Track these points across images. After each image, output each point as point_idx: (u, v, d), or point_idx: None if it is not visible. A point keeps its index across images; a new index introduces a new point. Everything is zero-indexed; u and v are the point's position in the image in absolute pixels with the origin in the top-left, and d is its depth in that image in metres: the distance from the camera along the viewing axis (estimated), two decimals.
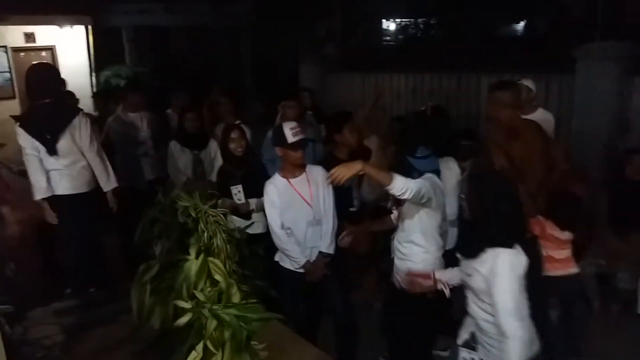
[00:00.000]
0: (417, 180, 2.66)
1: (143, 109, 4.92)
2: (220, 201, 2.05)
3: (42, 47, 10.49)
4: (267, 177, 3.24)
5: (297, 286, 3.13)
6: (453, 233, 3.37)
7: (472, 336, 2.37)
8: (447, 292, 2.55)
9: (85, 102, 5.96)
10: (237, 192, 3.49)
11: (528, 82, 4.17)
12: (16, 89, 10.24)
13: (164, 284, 1.86)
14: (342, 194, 3.24)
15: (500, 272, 2.11)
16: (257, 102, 10.01)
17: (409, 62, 9.19)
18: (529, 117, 3.78)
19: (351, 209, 3.60)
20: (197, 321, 1.73)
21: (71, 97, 5.27)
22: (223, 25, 11.76)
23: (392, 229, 3.04)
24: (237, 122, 4.31)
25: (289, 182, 3.07)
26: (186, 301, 1.76)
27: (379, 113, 6.37)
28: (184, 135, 4.43)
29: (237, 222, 2.65)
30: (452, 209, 3.30)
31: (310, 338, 2.86)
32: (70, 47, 10.50)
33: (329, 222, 3.11)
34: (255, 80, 12.19)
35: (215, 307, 1.74)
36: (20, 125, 3.60)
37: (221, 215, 1.91)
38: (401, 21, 15.26)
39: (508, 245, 2.15)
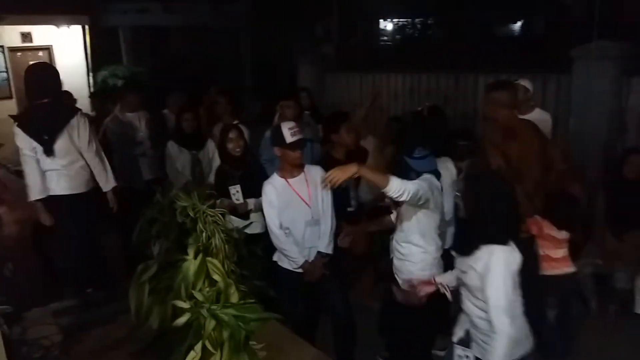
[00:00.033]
0: (415, 181, 2.66)
1: (141, 108, 4.92)
2: (218, 201, 2.05)
3: (39, 47, 10.47)
4: (266, 177, 3.24)
5: (296, 286, 3.13)
6: (450, 232, 3.37)
7: (467, 333, 2.39)
8: (448, 295, 2.56)
9: (82, 102, 5.95)
10: (236, 192, 3.49)
11: (525, 82, 4.18)
12: (13, 89, 10.22)
13: (162, 284, 1.86)
14: (339, 194, 3.25)
15: (494, 269, 2.14)
16: (255, 102, 10.01)
17: (406, 62, 9.21)
18: (526, 117, 3.80)
19: (349, 209, 3.61)
20: (195, 321, 1.73)
21: (69, 97, 5.27)
22: (221, 25, 11.75)
23: (391, 229, 3.04)
24: (235, 122, 4.31)
25: (287, 182, 3.07)
26: (184, 301, 1.76)
27: (376, 113, 6.39)
28: (182, 135, 4.43)
29: (236, 222, 2.66)
30: (449, 209, 3.31)
31: (309, 338, 2.87)
32: (67, 47, 10.48)
33: (327, 222, 3.11)
34: (253, 80, 12.20)
35: (213, 307, 1.74)
36: (18, 125, 3.59)
37: (219, 215, 1.91)
38: (399, 21, 15.28)
39: (503, 242, 2.19)
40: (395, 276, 2.99)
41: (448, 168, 3.30)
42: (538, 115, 4.13)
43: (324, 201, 3.10)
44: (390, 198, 2.68)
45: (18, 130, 3.59)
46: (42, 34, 10.33)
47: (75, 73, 9.89)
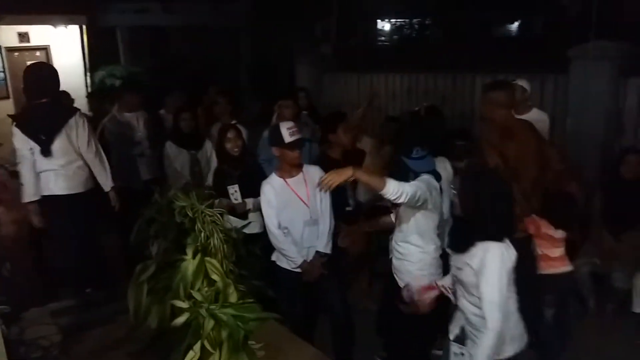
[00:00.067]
0: (412, 183, 2.66)
1: (139, 108, 4.91)
2: (217, 201, 2.06)
3: (36, 47, 10.43)
4: (264, 177, 3.24)
5: (294, 286, 3.13)
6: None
7: (462, 331, 2.41)
8: (452, 297, 2.57)
9: (80, 103, 5.94)
10: (234, 192, 3.49)
11: (523, 82, 4.19)
12: (10, 89, 10.18)
13: (160, 284, 1.86)
14: (337, 193, 3.24)
15: (489, 265, 2.17)
16: (254, 102, 10.00)
17: (404, 62, 9.22)
18: (523, 117, 3.81)
19: (347, 208, 3.62)
20: (194, 321, 1.74)
21: (66, 97, 5.26)
22: (219, 25, 11.73)
23: (390, 229, 3.05)
24: (234, 122, 4.31)
25: (285, 182, 3.07)
26: (183, 301, 1.77)
27: (374, 113, 6.40)
28: (180, 135, 4.43)
29: (234, 222, 2.66)
30: (447, 209, 3.32)
31: (307, 338, 2.87)
32: (64, 47, 10.44)
33: (325, 222, 3.11)
34: (251, 80, 12.18)
35: (212, 306, 1.74)
36: (16, 125, 3.59)
37: (218, 215, 1.91)
38: (397, 21, 15.29)
39: (498, 239, 2.22)
40: (395, 276, 3.00)
41: (445, 168, 3.31)
42: (535, 115, 4.15)
43: (323, 201, 3.10)
44: (388, 200, 2.69)
45: (16, 130, 3.58)
46: (40, 33, 10.29)
47: (72, 73, 9.86)
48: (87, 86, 10.20)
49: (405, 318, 2.95)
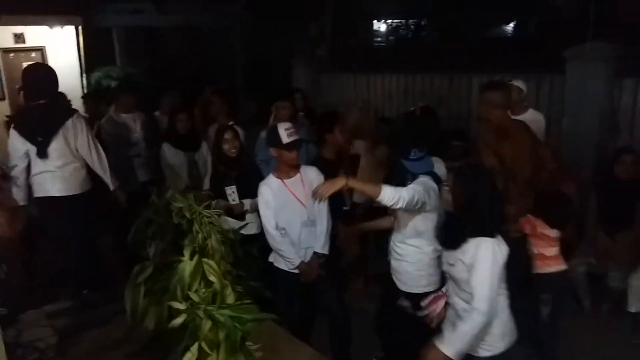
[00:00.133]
0: (409, 187, 2.66)
1: (136, 109, 4.91)
2: (214, 202, 2.06)
3: (31, 47, 10.39)
4: (261, 177, 3.24)
5: (292, 287, 3.13)
6: None
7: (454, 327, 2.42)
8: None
9: (76, 104, 5.92)
10: (232, 193, 3.49)
11: (519, 83, 4.21)
12: (5, 90, 10.14)
13: (158, 285, 1.86)
14: (334, 194, 3.25)
15: (481, 260, 2.21)
16: (250, 102, 10.00)
17: (400, 62, 9.23)
18: (520, 117, 3.83)
19: (344, 208, 3.62)
20: (191, 322, 1.73)
21: (63, 99, 5.25)
22: (215, 25, 11.73)
23: (389, 230, 3.05)
24: (231, 123, 4.31)
25: (283, 182, 3.07)
26: (180, 302, 1.76)
27: (370, 114, 6.42)
28: (176, 136, 4.41)
29: (231, 223, 2.66)
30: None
31: (305, 338, 2.87)
32: (60, 47, 10.41)
33: (323, 223, 3.12)
34: (247, 81, 12.18)
35: (209, 308, 1.74)
36: (13, 127, 3.58)
37: (215, 216, 1.91)
38: (393, 22, 15.31)
39: (490, 234, 2.25)
40: (393, 277, 3.00)
41: (439, 169, 3.32)
42: (531, 116, 4.16)
43: (320, 202, 3.10)
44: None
45: (13, 132, 3.58)
46: (35, 34, 10.26)
47: (68, 74, 9.82)
48: (83, 87, 10.17)
49: (403, 319, 2.96)
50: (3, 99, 10.13)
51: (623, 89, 5.11)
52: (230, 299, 1.80)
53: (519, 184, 3.16)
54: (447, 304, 2.53)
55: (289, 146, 2.98)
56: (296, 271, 3.09)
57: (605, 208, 3.98)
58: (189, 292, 1.77)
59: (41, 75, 3.78)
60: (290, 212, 3.06)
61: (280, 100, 4.44)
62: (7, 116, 3.87)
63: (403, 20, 14.72)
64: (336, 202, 3.34)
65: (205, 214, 1.89)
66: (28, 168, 3.63)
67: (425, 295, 2.80)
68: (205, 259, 1.82)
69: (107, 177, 3.86)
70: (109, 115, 4.88)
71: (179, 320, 1.72)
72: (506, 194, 3.07)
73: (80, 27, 10.42)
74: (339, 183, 2.58)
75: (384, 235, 3.20)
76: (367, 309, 3.98)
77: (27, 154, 3.61)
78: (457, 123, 5.86)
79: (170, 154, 4.36)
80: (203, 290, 1.80)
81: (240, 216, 3.46)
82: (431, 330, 2.54)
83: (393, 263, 2.98)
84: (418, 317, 2.71)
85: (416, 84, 7.21)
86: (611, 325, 3.85)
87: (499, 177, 2.95)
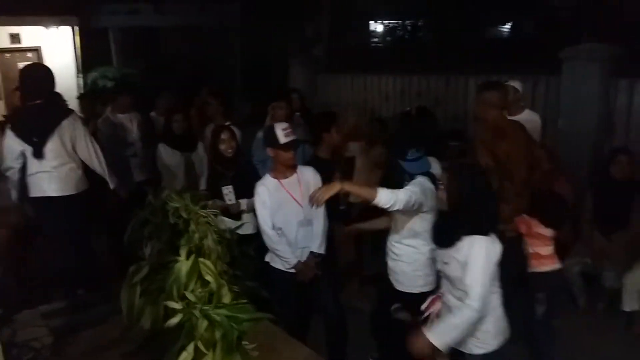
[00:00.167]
0: (406, 188, 2.67)
1: (132, 110, 4.90)
2: (211, 202, 2.06)
3: (27, 48, 10.38)
4: (258, 178, 3.24)
5: (288, 286, 3.13)
6: None
7: None
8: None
9: (71, 104, 5.90)
10: (228, 193, 3.49)
11: (515, 83, 4.22)
12: (1, 90, 10.12)
13: (154, 285, 1.86)
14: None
15: (475, 257, 2.23)
16: (246, 103, 10.00)
17: (397, 63, 9.24)
18: (516, 117, 3.84)
19: (341, 207, 3.63)
20: (187, 322, 1.73)
21: (60, 99, 5.23)
22: (212, 26, 11.72)
23: (386, 229, 3.05)
24: (227, 123, 4.31)
25: (280, 182, 3.07)
26: (177, 302, 1.76)
27: (366, 116, 6.43)
28: (172, 137, 4.40)
29: (228, 223, 2.66)
30: None
31: (301, 338, 2.87)
32: (56, 48, 10.40)
33: (319, 223, 3.12)
34: (244, 81, 12.17)
35: (206, 307, 1.74)
36: (10, 128, 3.57)
37: (212, 216, 1.91)
38: (390, 23, 15.32)
39: (483, 232, 2.27)
40: (389, 277, 3.00)
41: (435, 169, 3.32)
42: (527, 116, 4.18)
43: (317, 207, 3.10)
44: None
45: (9, 132, 3.57)
46: (31, 35, 10.25)
47: (64, 74, 9.81)
48: (78, 87, 10.15)
49: (398, 319, 2.96)
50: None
51: (618, 90, 5.13)
52: (227, 298, 1.81)
53: (514, 184, 3.17)
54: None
55: (286, 146, 2.98)
56: (293, 271, 3.09)
57: (600, 208, 3.99)
58: (185, 292, 1.77)
59: (38, 75, 3.77)
60: (286, 212, 3.06)
61: (276, 101, 4.44)
62: (3, 116, 3.85)
63: (400, 21, 14.73)
64: (332, 202, 3.34)
65: (202, 213, 1.89)
66: (23, 168, 3.62)
67: (422, 295, 2.81)
68: (201, 259, 1.82)
69: (106, 176, 3.86)
70: (105, 116, 4.87)
71: (175, 320, 1.72)
72: (502, 193, 3.09)
73: (76, 28, 10.41)
74: (335, 187, 2.60)
75: (380, 236, 3.21)
76: (363, 308, 3.99)
77: (22, 154, 3.60)
78: (453, 124, 5.87)
79: (167, 154, 4.35)
80: (199, 290, 1.80)
81: (237, 216, 3.46)
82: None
83: (390, 263, 2.98)
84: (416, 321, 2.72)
85: (413, 84, 7.22)
86: (606, 324, 3.87)
87: (495, 176, 2.97)
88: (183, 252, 1.82)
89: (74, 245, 3.78)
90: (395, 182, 2.77)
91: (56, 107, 3.84)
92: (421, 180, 2.75)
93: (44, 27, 10.09)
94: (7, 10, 8.51)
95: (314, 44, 9.55)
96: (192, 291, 1.78)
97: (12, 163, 3.59)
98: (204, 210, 1.91)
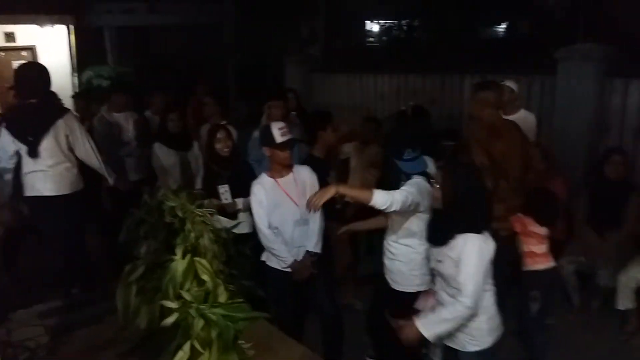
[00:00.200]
0: (402, 189, 2.67)
1: (128, 109, 4.89)
2: (207, 201, 2.06)
3: (22, 46, 10.33)
4: (254, 177, 3.24)
5: (284, 285, 3.13)
6: None
7: None
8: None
9: (66, 103, 5.89)
10: (225, 192, 3.49)
11: (510, 83, 4.24)
12: None
13: (150, 284, 1.86)
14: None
15: (468, 255, 2.26)
16: (242, 102, 9.98)
17: (393, 63, 9.24)
18: (511, 117, 3.86)
19: (336, 206, 3.63)
20: (183, 321, 1.73)
21: (55, 98, 5.21)
22: (208, 24, 11.70)
23: (383, 228, 3.06)
24: (223, 122, 4.30)
25: (276, 182, 3.07)
26: (173, 301, 1.76)
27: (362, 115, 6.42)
28: (168, 136, 4.40)
29: (224, 222, 2.66)
30: None
31: (297, 337, 2.87)
32: (51, 46, 10.36)
33: (315, 222, 3.12)
34: (240, 81, 12.15)
35: (202, 306, 1.74)
36: (4, 127, 3.56)
37: (208, 215, 1.91)
38: (385, 22, 15.33)
39: (477, 230, 2.30)
40: (385, 277, 3.01)
41: (430, 168, 3.33)
42: (523, 116, 4.20)
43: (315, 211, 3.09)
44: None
45: (3, 130, 3.56)
46: (26, 33, 10.20)
47: (58, 73, 9.76)
48: (73, 86, 10.11)
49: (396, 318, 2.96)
50: None
51: (613, 90, 5.16)
52: (223, 297, 1.80)
53: (509, 183, 3.19)
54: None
55: (282, 145, 2.98)
56: (289, 270, 3.09)
57: (595, 207, 4.01)
58: (181, 291, 1.77)
59: (34, 74, 3.76)
60: (283, 211, 3.06)
61: (272, 100, 4.44)
62: None
63: (395, 21, 14.74)
64: (328, 202, 3.34)
65: (198, 213, 1.89)
66: (18, 167, 3.61)
67: (418, 294, 2.82)
68: (197, 258, 1.82)
69: (105, 172, 3.89)
70: (100, 115, 4.86)
71: (171, 319, 1.72)
72: (497, 192, 3.11)
73: (71, 26, 10.37)
74: (330, 191, 2.60)
75: (375, 235, 3.21)
76: (359, 308, 4.01)
77: (17, 153, 3.59)
78: (449, 123, 5.89)
79: (162, 153, 4.34)
80: (195, 289, 1.79)
81: (233, 215, 3.46)
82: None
83: (386, 262, 2.99)
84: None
85: (408, 84, 7.24)
86: (601, 322, 3.89)
87: (489, 175, 2.99)
88: (179, 251, 1.81)
89: (69, 244, 3.77)
90: (391, 182, 2.78)
91: (51, 106, 3.83)
92: (418, 181, 2.75)
93: (38, 25, 10.03)
94: (1, 9, 8.46)
95: (310, 43, 9.55)
96: (188, 290, 1.78)
97: (7, 162, 3.58)
98: (200, 210, 1.90)
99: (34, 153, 3.57)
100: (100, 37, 10.96)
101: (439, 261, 2.40)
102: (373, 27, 15.70)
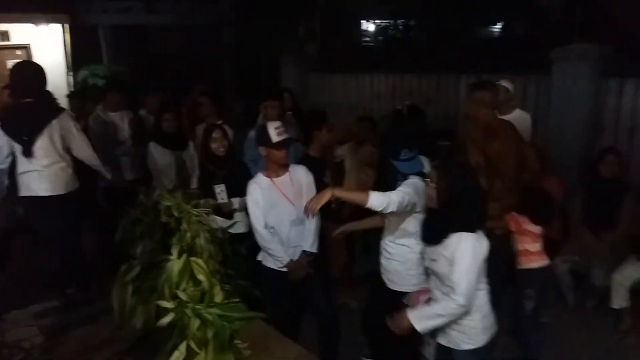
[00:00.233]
0: (399, 190, 2.67)
1: (124, 108, 4.88)
2: (203, 201, 2.05)
3: (16, 45, 10.28)
4: (250, 176, 3.24)
5: (280, 285, 3.13)
6: None
7: None
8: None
9: (61, 102, 5.87)
10: (221, 192, 3.48)
11: (506, 83, 4.25)
12: None
13: (146, 284, 1.85)
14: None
15: (462, 254, 2.28)
16: (238, 102, 9.98)
17: (389, 62, 9.26)
18: (506, 117, 3.87)
19: (332, 206, 3.63)
20: (179, 321, 1.73)
21: (50, 98, 5.19)
22: (204, 24, 11.68)
23: (380, 228, 3.06)
24: (219, 122, 4.29)
25: (272, 181, 3.07)
26: (168, 301, 1.76)
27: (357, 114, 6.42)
28: (163, 135, 4.38)
29: (220, 221, 2.65)
30: None
31: (293, 337, 2.87)
32: (45, 45, 10.31)
33: (312, 221, 3.11)
34: (236, 80, 12.15)
35: (198, 306, 1.74)
36: (0, 126, 3.55)
37: (204, 215, 1.90)
38: (382, 22, 15.36)
39: (471, 230, 2.31)
40: (382, 276, 3.01)
41: (426, 168, 3.33)
42: (518, 116, 4.21)
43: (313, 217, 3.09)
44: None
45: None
46: (20, 32, 10.16)
47: (54, 72, 9.72)
48: (68, 85, 10.08)
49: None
50: None
51: (608, 90, 5.18)
52: (219, 297, 1.80)
53: (504, 182, 3.20)
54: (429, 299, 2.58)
55: (279, 145, 2.98)
56: (285, 270, 3.09)
57: (590, 207, 4.03)
58: (177, 291, 1.77)
59: (29, 73, 3.74)
60: (279, 211, 3.06)
61: (268, 100, 4.44)
62: None
63: (391, 21, 14.77)
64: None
65: (194, 212, 1.88)
66: (13, 167, 3.60)
67: None
68: (193, 258, 1.82)
69: (102, 169, 3.92)
70: (96, 114, 4.85)
71: (167, 319, 1.71)
72: (492, 191, 3.12)
73: (66, 25, 10.33)
74: (326, 195, 2.61)
75: (371, 235, 3.21)
76: (354, 307, 4.01)
77: (11, 153, 3.57)
78: (444, 123, 5.90)
79: (157, 153, 4.32)
80: (191, 289, 1.79)
81: (229, 215, 3.46)
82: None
83: (383, 262, 2.99)
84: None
85: (404, 83, 7.25)
86: (596, 321, 3.91)
87: (484, 175, 2.99)
88: (175, 251, 1.81)
89: (64, 244, 3.76)
90: (388, 182, 2.78)
91: (47, 106, 3.81)
92: (414, 181, 2.75)
93: (33, 24, 9.99)
94: None
95: (307, 43, 9.55)
96: (184, 290, 1.77)
97: (2, 162, 3.56)
98: (196, 209, 1.90)
99: (28, 153, 3.55)
100: (95, 36, 10.92)
101: (433, 260, 2.42)
102: (369, 27, 15.72)
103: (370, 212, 3.04)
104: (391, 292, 2.97)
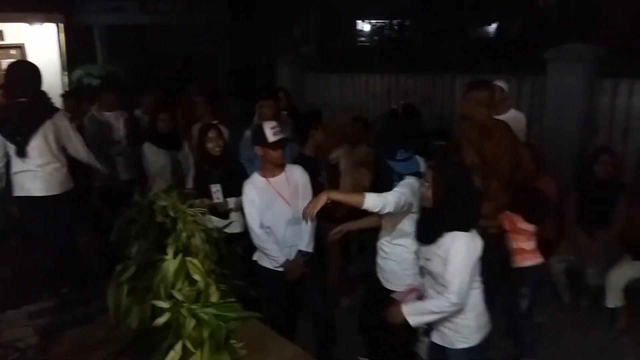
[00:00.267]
0: (395, 191, 2.68)
1: (118, 108, 4.87)
2: (198, 201, 2.05)
3: (11, 45, 10.23)
4: (246, 176, 3.24)
5: (276, 285, 3.13)
6: None
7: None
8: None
9: (56, 102, 5.85)
10: (216, 191, 3.48)
11: (501, 83, 4.26)
12: None
13: (141, 284, 1.85)
14: (318, 192, 3.26)
15: (456, 253, 2.29)
16: (233, 102, 9.96)
17: (384, 62, 9.28)
18: (501, 117, 3.88)
19: (327, 205, 3.63)
20: (175, 321, 1.72)
21: (45, 97, 5.17)
22: (198, 24, 11.66)
23: (376, 227, 3.07)
24: (215, 122, 4.29)
25: (268, 181, 3.07)
26: (164, 301, 1.75)
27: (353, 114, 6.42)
28: (158, 136, 4.37)
29: (215, 221, 2.65)
30: None
31: (289, 336, 2.87)
32: (40, 45, 10.27)
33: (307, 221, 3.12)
34: (231, 80, 12.13)
35: (193, 306, 1.73)
36: None
37: (199, 215, 1.90)
38: (377, 22, 15.38)
39: (465, 229, 2.33)
40: (378, 275, 3.02)
41: (422, 168, 3.34)
42: (513, 116, 4.23)
43: (305, 200, 3.10)
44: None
45: None
46: (15, 31, 10.11)
47: (48, 72, 9.68)
48: (63, 85, 10.04)
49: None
50: None
51: (602, 90, 5.20)
52: (214, 297, 1.80)
53: (499, 182, 3.21)
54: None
55: (275, 145, 2.98)
56: (281, 269, 3.09)
57: (584, 207, 4.05)
58: (173, 291, 1.76)
59: (24, 73, 3.73)
60: (275, 210, 3.06)
61: (264, 99, 4.43)
62: None
63: (387, 21, 14.79)
64: None
65: (189, 212, 1.88)
66: (7, 166, 3.58)
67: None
68: (189, 258, 1.81)
69: (98, 166, 3.96)
70: (91, 114, 4.84)
71: (162, 319, 1.71)
72: (487, 191, 3.13)
73: (61, 25, 10.29)
74: (322, 198, 2.61)
75: (366, 235, 3.21)
76: (349, 306, 4.01)
77: (6, 153, 3.56)
78: (440, 123, 5.91)
79: (152, 153, 4.30)
80: (187, 288, 1.79)
81: (225, 215, 3.45)
82: (412, 329, 2.59)
83: (379, 261, 3.00)
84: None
85: (400, 83, 7.26)
86: (590, 320, 3.93)
87: (479, 174, 3.01)
88: (170, 251, 1.80)
89: (59, 244, 3.75)
90: (384, 182, 2.78)
91: (41, 106, 3.80)
92: (410, 181, 2.76)
93: (27, 23, 9.94)
94: None
95: (302, 43, 9.55)
96: (180, 290, 1.77)
97: None
98: (192, 209, 1.90)
99: (22, 153, 3.54)
100: (90, 36, 10.89)
101: (428, 259, 2.43)
102: (365, 27, 15.74)
103: (366, 212, 3.05)
104: (387, 292, 2.98)
